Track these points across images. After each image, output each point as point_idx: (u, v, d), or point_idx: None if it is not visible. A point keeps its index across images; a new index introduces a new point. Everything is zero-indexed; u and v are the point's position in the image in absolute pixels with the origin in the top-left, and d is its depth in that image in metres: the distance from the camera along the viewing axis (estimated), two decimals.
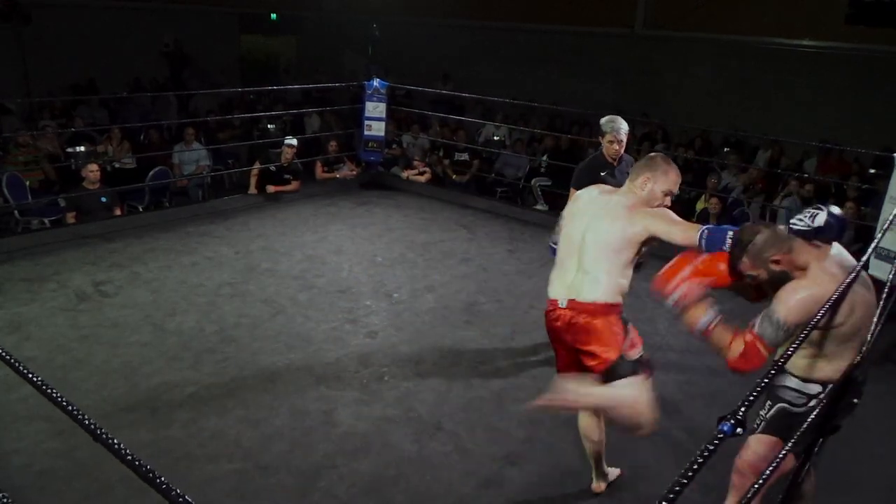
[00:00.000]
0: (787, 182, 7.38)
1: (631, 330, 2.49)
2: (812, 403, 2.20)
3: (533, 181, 8.15)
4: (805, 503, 2.51)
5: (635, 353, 2.46)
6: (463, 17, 13.06)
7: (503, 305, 4.70)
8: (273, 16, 14.83)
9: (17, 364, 1.37)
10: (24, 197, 6.48)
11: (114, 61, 11.48)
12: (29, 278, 4.71)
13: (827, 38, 9.81)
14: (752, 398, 1.24)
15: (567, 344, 2.52)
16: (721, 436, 1.12)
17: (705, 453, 1.06)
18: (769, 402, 2.31)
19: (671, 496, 0.98)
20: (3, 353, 1.40)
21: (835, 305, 1.78)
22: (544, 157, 8.77)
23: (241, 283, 4.81)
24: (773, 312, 2.06)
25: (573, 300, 2.45)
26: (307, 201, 6.93)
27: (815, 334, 2.05)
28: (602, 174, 3.76)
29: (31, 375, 1.34)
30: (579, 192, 2.74)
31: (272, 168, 7.03)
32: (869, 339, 2.08)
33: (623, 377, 2.39)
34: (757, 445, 2.35)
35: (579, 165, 4.11)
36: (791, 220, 2.25)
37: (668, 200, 2.50)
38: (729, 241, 2.22)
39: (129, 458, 1.09)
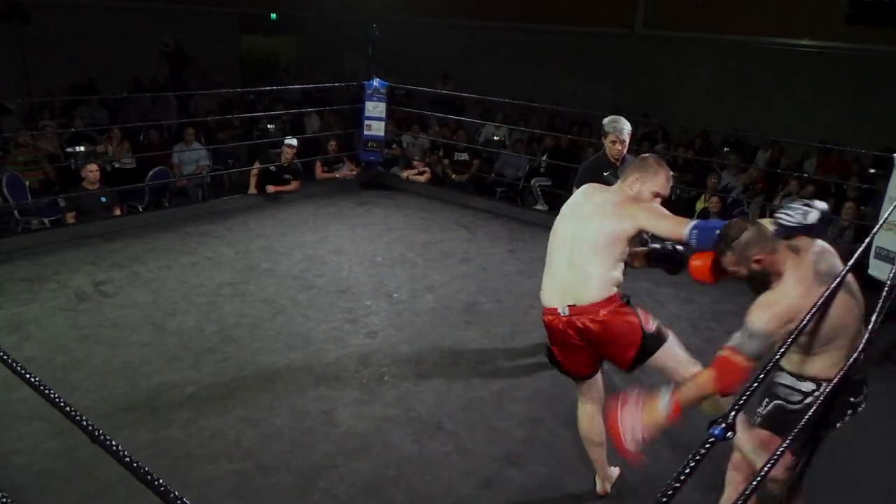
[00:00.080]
0: (787, 182, 7.39)
1: (638, 306, 2.49)
2: (808, 401, 2.20)
3: (533, 181, 8.16)
4: (799, 500, 2.51)
5: (653, 325, 2.45)
6: (463, 17, 13.06)
7: (503, 305, 4.70)
8: (273, 16, 14.83)
9: (16, 365, 1.36)
10: (23, 197, 6.48)
11: (114, 61, 11.48)
12: (29, 278, 4.71)
13: (827, 38, 9.81)
14: (741, 402, 1.24)
15: (588, 347, 2.51)
16: (712, 440, 1.12)
17: (696, 457, 1.07)
18: (766, 399, 2.32)
19: (664, 500, 0.98)
20: (3, 356, 1.40)
21: (807, 315, 1.79)
22: (544, 157, 8.77)
23: (241, 283, 4.81)
24: (747, 324, 2.07)
25: (573, 306, 2.44)
26: (307, 201, 6.93)
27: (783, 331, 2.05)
28: (605, 174, 3.76)
29: (30, 376, 1.34)
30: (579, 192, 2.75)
31: (272, 168, 7.03)
32: (864, 337, 2.08)
33: (655, 350, 2.42)
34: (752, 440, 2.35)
35: (582, 165, 4.10)
36: (778, 213, 2.25)
37: (657, 202, 2.50)
38: (717, 234, 2.23)
39: (128, 459, 1.09)
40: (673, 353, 2.47)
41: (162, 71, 12.95)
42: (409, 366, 3.82)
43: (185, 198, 7.60)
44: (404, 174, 7.94)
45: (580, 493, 2.88)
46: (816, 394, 2.17)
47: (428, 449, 3.10)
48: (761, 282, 2.17)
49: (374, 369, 3.76)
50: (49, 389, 1.32)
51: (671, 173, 2.58)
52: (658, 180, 2.49)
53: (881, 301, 2.11)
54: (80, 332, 4.00)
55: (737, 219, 2.25)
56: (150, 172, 7.17)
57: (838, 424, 2.25)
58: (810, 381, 2.20)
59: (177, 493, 1.02)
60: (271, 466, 2.92)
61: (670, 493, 0.99)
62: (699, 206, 6.87)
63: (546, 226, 5.30)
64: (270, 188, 6.86)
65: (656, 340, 2.44)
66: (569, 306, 2.45)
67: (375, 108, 7.56)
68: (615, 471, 2.91)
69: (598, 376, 2.69)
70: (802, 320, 1.62)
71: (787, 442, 1.41)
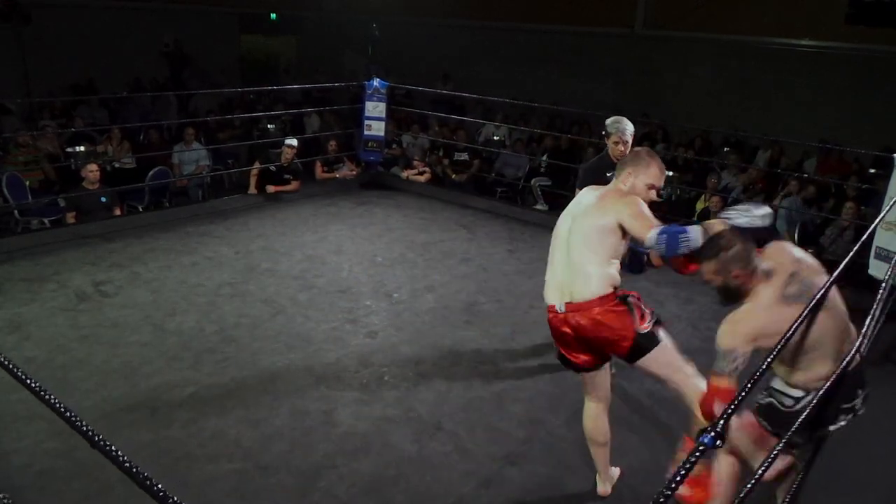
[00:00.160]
0: (787, 182, 7.39)
1: (634, 305, 2.49)
2: (798, 407, 2.22)
3: (533, 181, 8.16)
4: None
5: (646, 326, 2.46)
6: (463, 17, 13.06)
7: (503, 305, 4.70)
8: (273, 16, 14.83)
9: (16, 370, 1.36)
10: (23, 197, 6.48)
11: (114, 61, 11.48)
12: (29, 278, 4.71)
13: (827, 38, 9.82)
14: (730, 410, 1.25)
15: (582, 344, 2.54)
16: (702, 448, 1.13)
17: (687, 465, 1.08)
18: (765, 392, 2.35)
19: None
20: (3, 360, 1.40)
21: (787, 333, 1.83)
22: (544, 157, 8.77)
23: (241, 283, 4.81)
24: (717, 345, 2.12)
25: (569, 303, 2.48)
26: (307, 201, 6.93)
27: (762, 348, 2.11)
28: (608, 175, 3.75)
29: (29, 380, 1.34)
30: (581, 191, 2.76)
31: (272, 168, 7.03)
32: (855, 344, 2.11)
33: (648, 351, 2.44)
34: (742, 419, 2.38)
35: (584, 166, 4.10)
36: (727, 213, 2.30)
37: (652, 193, 2.51)
38: (683, 246, 2.25)
39: (127, 464, 1.09)
40: (666, 360, 2.49)
41: (162, 71, 12.96)
42: (409, 366, 3.82)
43: (185, 198, 7.60)
44: (404, 174, 7.94)
45: (580, 493, 2.88)
46: (807, 400, 2.19)
47: (428, 449, 3.10)
48: (730, 294, 2.21)
49: (374, 369, 3.76)
50: (48, 394, 1.32)
51: (664, 166, 2.58)
52: (651, 172, 2.51)
53: (881, 302, 2.11)
54: (80, 332, 4.00)
55: (727, 229, 2.26)
56: (150, 172, 7.17)
57: (831, 427, 2.25)
58: (800, 389, 2.23)
59: (176, 498, 1.02)
60: (271, 466, 2.92)
61: (662, 500, 0.99)
62: (699, 206, 6.87)
63: (546, 226, 5.31)
64: (270, 188, 6.86)
65: (649, 340, 2.46)
66: (566, 303, 2.49)
67: (375, 108, 7.56)
68: (615, 471, 2.91)
69: (605, 376, 2.69)
70: (782, 338, 1.62)
71: (780, 444, 1.42)
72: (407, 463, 2.99)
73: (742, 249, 2.15)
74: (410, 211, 6.83)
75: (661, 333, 2.51)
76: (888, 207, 3.61)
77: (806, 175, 7.72)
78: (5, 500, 2.20)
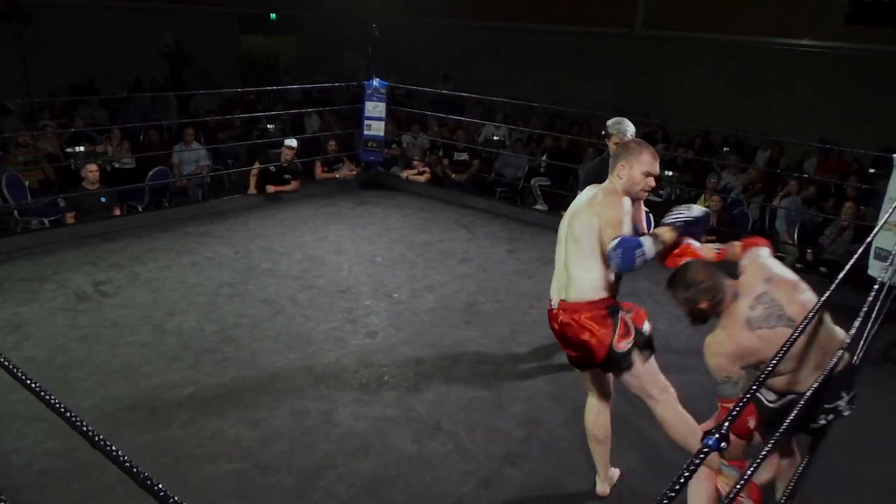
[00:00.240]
0: (787, 182, 7.39)
1: (620, 321, 2.48)
2: (780, 403, 2.26)
3: (532, 181, 8.16)
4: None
5: (623, 346, 2.48)
6: (463, 17, 13.06)
7: (503, 305, 4.70)
8: (273, 16, 14.83)
9: (15, 370, 1.36)
10: (23, 197, 6.48)
11: (114, 61, 11.48)
12: (29, 278, 4.71)
13: (827, 38, 9.82)
14: (735, 413, 1.25)
15: (565, 342, 2.59)
16: (706, 450, 1.13)
17: (692, 467, 1.07)
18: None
19: None
20: (3, 360, 1.40)
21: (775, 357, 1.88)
22: (544, 157, 8.77)
23: (241, 283, 4.81)
24: (717, 376, 2.17)
25: (563, 301, 2.54)
26: (307, 201, 6.93)
27: (745, 365, 2.18)
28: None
29: (28, 380, 1.34)
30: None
31: (272, 168, 7.03)
32: (838, 349, 2.16)
33: (621, 369, 2.51)
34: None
35: (585, 169, 4.10)
36: (670, 217, 2.39)
37: (650, 181, 2.49)
38: (638, 262, 2.27)
39: (128, 464, 1.09)
40: (638, 384, 2.56)
41: (162, 71, 12.96)
42: (409, 366, 3.82)
43: (185, 198, 7.60)
44: (404, 174, 7.94)
45: (580, 493, 2.88)
46: (787, 399, 2.24)
47: (428, 449, 3.10)
48: (698, 318, 2.30)
49: (374, 369, 3.76)
50: (48, 394, 1.31)
51: (657, 154, 2.57)
52: (644, 159, 2.48)
53: (878, 301, 2.12)
54: (80, 332, 4.00)
55: (697, 261, 2.32)
56: (150, 172, 7.17)
57: (811, 426, 2.28)
58: (775, 392, 2.29)
59: (176, 497, 1.02)
60: (271, 466, 2.92)
61: (665, 502, 0.99)
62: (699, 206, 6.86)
63: (545, 226, 5.32)
64: (270, 188, 6.86)
65: (621, 360, 2.49)
66: (560, 301, 2.55)
67: (375, 108, 7.56)
68: (615, 472, 2.91)
69: (603, 375, 2.70)
70: (769, 361, 1.63)
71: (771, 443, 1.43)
72: (407, 463, 2.99)
73: (711, 283, 2.22)
74: (410, 211, 6.83)
75: (638, 357, 2.52)
76: (891, 210, 3.60)
77: (806, 175, 7.72)
78: (5, 501, 2.20)
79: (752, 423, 2.17)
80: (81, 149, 7.57)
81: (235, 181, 8.45)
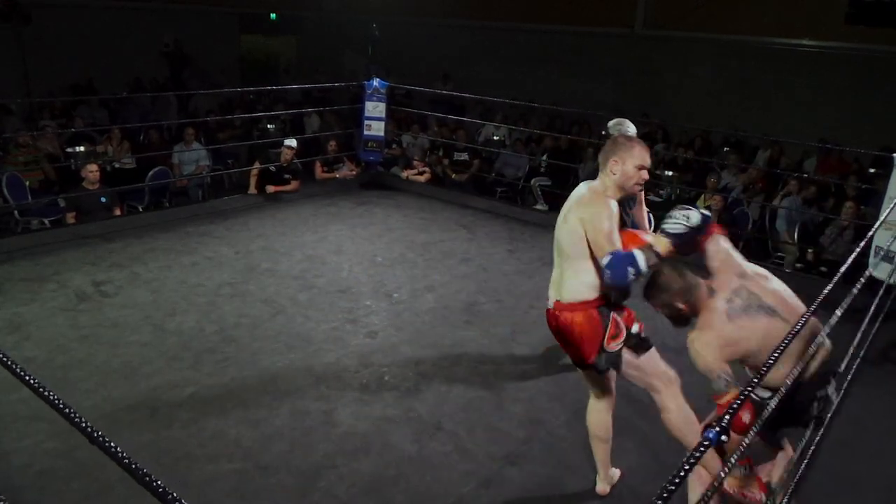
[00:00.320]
0: (787, 182, 7.39)
1: (611, 321, 2.49)
2: (768, 398, 2.26)
3: (533, 181, 8.16)
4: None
5: (615, 345, 2.49)
6: (463, 17, 13.07)
7: (503, 305, 4.70)
8: (273, 16, 14.83)
9: (14, 367, 1.36)
10: (23, 197, 6.49)
11: (114, 61, 11.49)
12: (29, 278, 4.71)
13: (827, 38, 9.82)
14: (735, 407, 1.26)
15: (563, 341, 2.61)
16: (706, 443, 1.13)
17: (691, 460, 1.08)
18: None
19: (659, 503, 0.98)
20: (3, 357, 1.40)
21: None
22: (544, 157, 8.77)
23: (241, 283, 4.81)
24: (709, 374, 2.19)
25: (557, 301, 2.56)
26: (307, 201, 6.93)
27: (731, 359, 2.22)
28: None
29: (28, 378, 1.34)
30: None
31: (272, 168, 7.03)
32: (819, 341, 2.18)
33: (605, 370, 2.54)
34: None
35: (587, 168, 4.10)
36: (664, 225, 2.35)
37: (644, 174, 2.48)
38: (631, 277, 2.28)
39: (126, 461, 1.09)
40: (637, 370, 2.58)
41: (162, 71, 12.96)
42: (409, 366, 3.82)
43: (185, 198, 7.61)
44: (404, 174, 7.94)
45: (580, 493, 2.88)
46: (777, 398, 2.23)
47: (428, 449, 3.10)
48: (679, 320, 2.35)
49: (374, 369, 3.76)
50: (48, 391, 1.31)
51: (646, 146, 2.57)
52: (635, 153, 2.46)
53: (852, 296, 2.14)
54: (80, 332, 4.00)
55: (667, 266, 2.33)
56: (150, 172, 7.18)
57: (805, 417, 2.32)
58: (769, 389, 2.29)
59: (175, 494, 1.02)
60: (271, 466, 2.92)
61: (665, 495, 0.99)
62: (699, 205, 6.87)
63: (546, 226, 5.32)
64: (270, 188, 6.86)
65: (612, 361, 2.52)
66: (555, 301, 2.57)
67: (375, 108, 7.56)
68: (616, 472, 2.91)
69: (609, 373, 2.69)
70: (767, 359, 1.64)
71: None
72: (407, 463, 2.99)
73: (683, 285, 2.27)
74: (410, 211, 6.83)
75: (631, 355, 2.54)
76: (889, 209, 3.60)
77: (806, 175, 7.72)
78: (4, 501, 2.20)
79: (746, 418, 2.17)
80: (81, 149, 7.58)
81: (235, 181, 8.45)
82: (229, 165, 8.78)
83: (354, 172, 7.84)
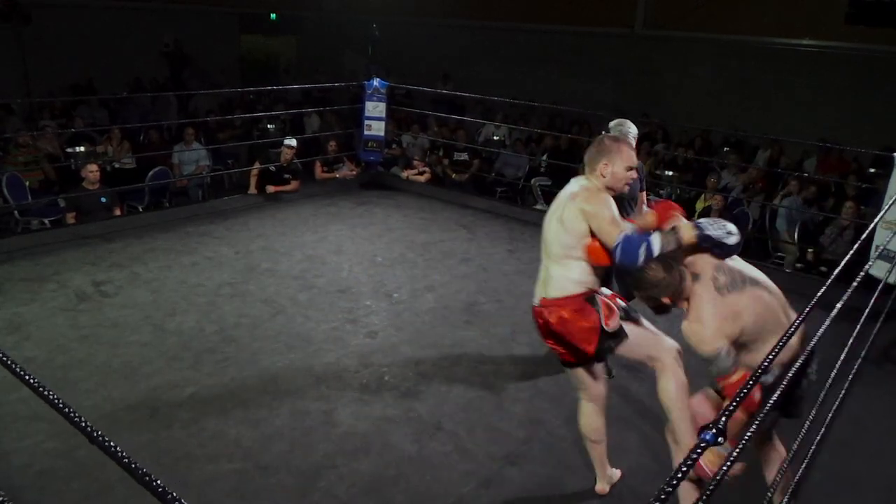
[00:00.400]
0: (787, 182, 7.39)
1: (601, 303, 2.50)
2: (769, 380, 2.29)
3: (533, 181, 8.16)
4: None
5: (614, 323, 2.50)
6: (463, 17, 13.07)
7: (503, 305, 4.69)
8: (273, 16, 14.84)
9: (14, 366, 1.36)
10: (23, 197, 6.49)
11: (114, 61, 11.49)
12: (29, 278, 4.71)
13: (827, 38, 9.83)
14: (731, 408, 1.25)
15: (554, 338, 2.60)
16: (703, 445, 1.13)
17: (689, 462, 1.07)
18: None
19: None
20: (3, 357, 1.40)
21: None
22: (544, 157, 8.77)
23: (241, 283, 4.81)
24: (706, 356, 2.19)
25: (543, 298, 2.56)
26: (307, 201, 6.93)
27: (730, 336, 2.22)
28: None
29: (28, 377, 1.34)
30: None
31: (272, 168, 7.03)
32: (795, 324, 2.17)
33: (615, 347, 2.52)
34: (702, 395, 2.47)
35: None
36: (706, 223, 2.31)
37: (632, 173, 2.52)
38: (641, 259, 2.27)
39: (126, 460, 1.09)
40: (637, 346, 2.55)
41: (162, 71, 12.96)
42: (409, 366, 3.82)
43: (185, 198, 7.61)
44: (404, 174, 7.94)
45: (580, 493, 2.88)
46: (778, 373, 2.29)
47: (428, 449, 3.10)
48: (663, 310, 2.36)
49: (374, 369, 3.76)
50: (48, 391, 1.31)
51: (630, 144, 2.61)
52: (624, 154, 2.50)
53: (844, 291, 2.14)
54: (80, 332, 4.00)
55: (653, 261, 2.31)
56: (150, 172, 7.18)
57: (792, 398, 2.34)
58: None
59: (175, 493, 1.02)
60: (271, 466, 2.92)
61: (663, 497, 0.99)
62: (699, 205, 6.88)
63: None
64: (270, 188, 6.86)
65: (615, 338, 2.51)
66: (541, 298, 2.58)
67: (375, 108, 7.56)
68: (616, 472, 2.91)
69: (593, 374, 2.70)
70: (782, 337, 1.64)
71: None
72: (407, 463, 2.99)
73: (667, 278, 2.27)
74: (410, 211, 6.83)
75: (630, 327, 2.55)
76: (887, 207, 3.60)
77: (806, 175, 7.73)
78: (4, 501, 2.20)
79: (758, 397, 2.17)
80: (81, 149, 7.58)
81: (235, 181, 8.45)
82: (229, 165, 8.78)
83: (354, 172, 7.84)
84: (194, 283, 4.77)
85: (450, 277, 5.14)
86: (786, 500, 2.32)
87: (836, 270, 2.07)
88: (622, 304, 2.59)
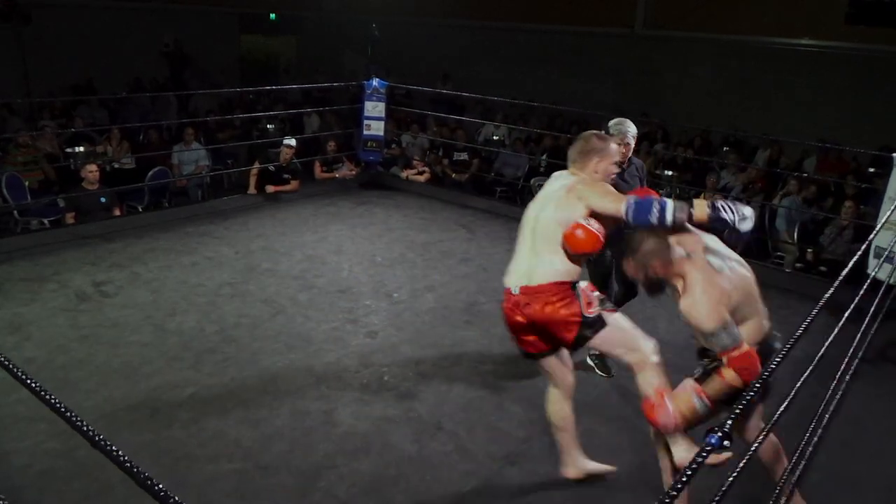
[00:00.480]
0: (787, 181, 7.39)
1: (582, 292, 2.55)
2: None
3: (532, 181, 8.16)
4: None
5: (595, 311, 2.53)
6: (463, 17, 13.07)
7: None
8: (273, 16, 14.84)
9: (16, 370, 1.37)
10: (23, 197, 6.49)
11: (114, 61, 11.49)
12: (29, 279, 4.71)
13: (827, 38, 9.83)
14: (737, 412, 1.26)
15: (526, 327, 2.61)
16: (709, 448, 1.13)
17: (693, 465, 1.08)
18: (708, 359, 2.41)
19: None
20: (3, 360, 1.40)
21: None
22: (544, 157, 8.77)
23: (241, 283, 4.81)
24: (704, 331, 2.20)
25: (525, 286, 2.55)
26: (307, 201, 6.93)
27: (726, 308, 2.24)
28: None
29: (28, 380, 1.34)
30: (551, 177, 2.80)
31: (271, 168, 7.03)
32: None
33: (594, 334, 2.53)
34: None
35: None
36: (722, 204, 2.33)
37: (616, 167, 2.64)
38: (655, 217, 2.29)
39: (128, 463, 1.09)
40: (615, 339, 2.56)
41: (162, 71, 12.96)
42: (410, 366, 3.82)
43: (185, 198, 7.61)
44: (404, 174, 7.94)
45: (580, 493, 2.88)
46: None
47: (428, 449, 3.10)
48: (654, 286, 2.35)
49: (375, 369, 3.76)
50: (48, 393, 1.32)
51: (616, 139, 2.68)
52: (612, 151, 2.62)
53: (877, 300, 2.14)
54: (81, 332, 4.00)
55: (640, 231, 2.34)
56: (150, 173, 7.18)
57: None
58: (759, 343, 2.33)
59: (176, 497, 1.02)
60: (271, 466, 2.92)
61: (668, 501, 0.99)
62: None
63: None
64: (270, 188, 6.86)
65: (594, 325, 2.53)
66: (521, 286, 2.56)
67: (375, 108, 7.56)
68: (604, 467, 2.89)
69: (562, 362, 2.74)
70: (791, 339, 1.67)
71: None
72: (407, 463, 2.99)
73: (656, 244, 2.27)
74: (410, 211, 6.84)
75: (612, 317, 2.57)
76: (891, 209, 3.60)
77: (806, 175, 7.73)
78: (4, 501, 2.20)
79: (758, 366, 2.20)
80: (81, 149, 7.58)
81: (235, 181, 8.45)
82: (229, 165, 8.78)
83: (354, 172, 7.84)
84: (194, 283, 4.77)
85: (450, 277, 5.14)
86: (785, 500, 2.32)
87: (843, 273, 2.08)
88: (600, 294, 2.62)
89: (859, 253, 2.35)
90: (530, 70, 12.66)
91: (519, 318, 2.59)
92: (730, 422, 1.19)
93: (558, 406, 2.78)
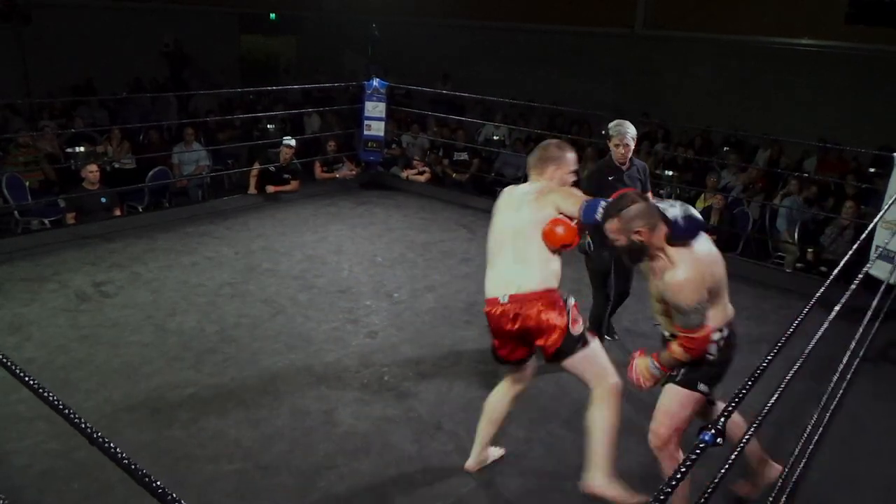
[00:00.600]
0: (787, 181, 7.39)
1: (571, 307, 2.57)
2: (716, 350, 2.39)
3: None
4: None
5: (579, 329, 2.56)
6: (463, 17, 13.07)
7: None
8: (273, 16, 14.84)
9: (15, 368, 1.37)
10: (23, 197, 6.49)
11: (114, 61, 11.49)
12: (29, 279, 4.72)
13: (827, 38, 9.83)
14: (731, 407, 1.26)
15: (515, 335, 2.61)
16: (702, 446, 1.13)
17: (687, 463, 1.08)
18: (681, 369, 2.45)
19: None
20: (3, 359, 1.40)
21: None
22: None
23: (242, 283, 4.81)
24: (681, 306, 2.26)
25: (513, 294, 2.54)
26: (307, 201, 6.93)
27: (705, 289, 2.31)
28: (610, 179, 3.77)
29: (28, 379, 1.35)
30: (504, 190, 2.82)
31: (272, 168, 7.03)
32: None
33: (572, 353, 2.55)
34: (673, 400, 2.50)
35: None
36: (664, 202, 2.41)
37: (572, 176, 2.70)
38: (601, 211, 2.38)
39: (126, 461, 1.09)
40: (590, 365, 2.60)
41: (162, 71, 12.96)
42: (410, 366, 3.82)
43: (185, 198, 7.61)
44: (404, 174, 7.94)
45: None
46: (724, 335, 2.39)
47: (428, 449, 3.10)
48: (636, 252, 2.36)
49: (375, 369, 3.76)
50: (48, 392, 1.32)
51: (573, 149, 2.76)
52: (569, 160, 2.71)
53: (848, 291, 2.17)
54: (81, 332, 4.01)
55: (630, 191, 2.43)
56: (150, 173, 7.18)
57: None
58: (717, 330, 2.38)
59: (175, 494, 1.02)
60: (271, 466, 2.92)
61: (662, 497, 0.99)
62: (699, 205, 6.87)
63: None
64: (270, 188, 6.86)
65: (576, 343, 2.56)
66: (510, 295, 2.55)
67: (375, 108, 7.56)
68: (498, 451, 2.98)
69: (530, 364, 2.78)
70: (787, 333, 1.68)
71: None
72: (407, 463, 2.99)
73: (643, 207, 2.30)
74: (410, 211, 6.84)
75: (594, 342, 2.62)
76: (886, 207, 3.60)
77: (806, 174, 7.73)
78: (4, 501, 2.21)
79: (714, 338, 2.33)
80: (81, 149, 7.57)
81: (235, 181, 8.45)
82: (229, 165, 8.78)
83: (354, 172, 7.85)
84: (195, 283, 4.77)
85: (450, 277, 5.14)
86: (785, 499, 2.32)
87: (836, 271, 2.08)
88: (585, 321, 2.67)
89: (852, 250, 2.36)
90: (530, 70, 12.65)
91: (509, 327, 2.58)
92: (723, 420, 1.20)
93: (503, 401, 2.84)
